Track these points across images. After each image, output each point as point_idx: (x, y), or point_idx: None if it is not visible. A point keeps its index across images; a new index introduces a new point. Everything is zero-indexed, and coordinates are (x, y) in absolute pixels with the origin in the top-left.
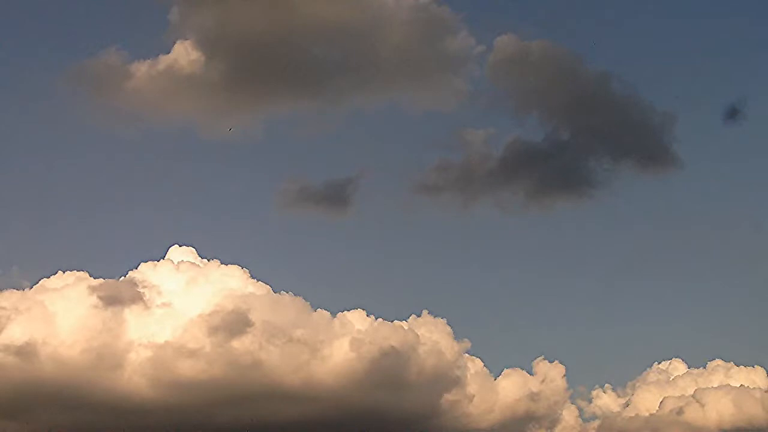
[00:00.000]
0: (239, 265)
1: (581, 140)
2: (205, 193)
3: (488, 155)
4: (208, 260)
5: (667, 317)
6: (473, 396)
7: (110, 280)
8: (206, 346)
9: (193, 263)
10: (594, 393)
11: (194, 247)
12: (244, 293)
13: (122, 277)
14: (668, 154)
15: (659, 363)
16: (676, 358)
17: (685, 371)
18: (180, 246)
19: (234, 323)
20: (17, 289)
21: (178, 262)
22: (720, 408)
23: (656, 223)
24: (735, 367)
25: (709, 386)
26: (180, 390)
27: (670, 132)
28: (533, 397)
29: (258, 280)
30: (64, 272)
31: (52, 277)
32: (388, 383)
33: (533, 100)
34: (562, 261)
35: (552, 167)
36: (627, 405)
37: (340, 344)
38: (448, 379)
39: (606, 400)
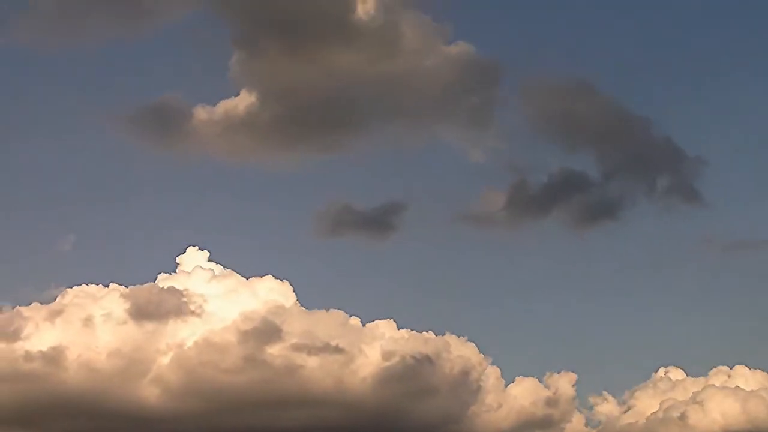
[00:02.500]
0: (277, 280)
1: (616, 178)
2: (251, 217)
3: (530, 189)
4: (248, 276)
5: (670, 323)
6: (491, 404)
7: (143, 290)
8: (236, 355)
9: (226, 276)
10: (599, 400)
11: (235, 264)
12: (278, 305)
13: (156, 289)
14: (697, 196)
15: (662, 369)
16: (679, 363)
17: (689, 376)
18: (216, 263)
19: (266, 333)
20: (47, 301)
21: (214, 275)
22: (725, 410)
23: (673, 250)
24: (741, 369)
25: (712, 390)
26: (208, 398)
27: (700, 175)
28: (544, 405)
29: (295, 295)
30: (97, 284)
31: (82, 285)
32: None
33: (575, 140)
34: (590, 284)
35: (586, 202)
36: (629, 410)
37: (370, 353)
38: (469, 389)
39: (609, 407)
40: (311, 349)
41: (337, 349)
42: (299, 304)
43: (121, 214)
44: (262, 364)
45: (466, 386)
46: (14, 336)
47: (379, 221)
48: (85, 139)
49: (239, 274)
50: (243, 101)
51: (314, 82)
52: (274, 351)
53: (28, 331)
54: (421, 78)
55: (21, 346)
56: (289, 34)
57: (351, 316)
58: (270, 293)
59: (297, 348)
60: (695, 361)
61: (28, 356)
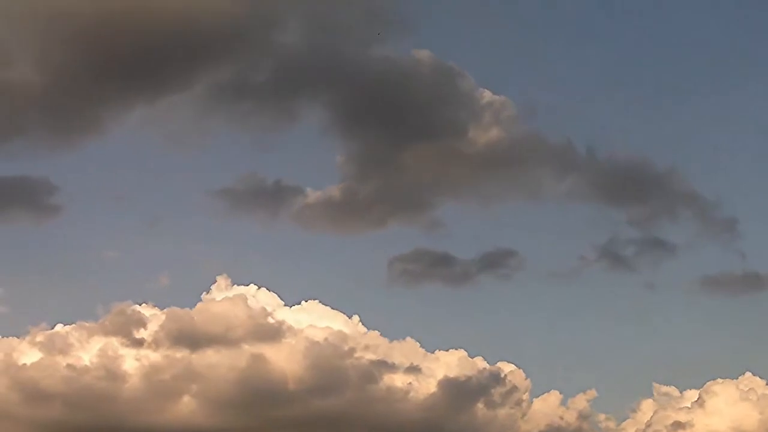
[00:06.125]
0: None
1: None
2: (342, 268)
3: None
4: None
5: (671, 339)
6: (527, 419)
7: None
8: (310, 371)
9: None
10: (605, 415)
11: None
12: (349, 333)
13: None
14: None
15: (663, 384)
16: (681, 374)
17: (691, 388)
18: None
19: (340, 351)
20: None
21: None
22: (731, 414)
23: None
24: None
25: (715, 400)
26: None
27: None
28: (563, 419)
29: (366, 326)
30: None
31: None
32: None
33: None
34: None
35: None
36: (632, 419)
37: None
38: (511, 406)
39: (612, 422)
40: (384, 367)
41: (411, 369)
42: (370, 334)
43: (229, 262)
44: (336, 380)
45: (509, 404)
46: (64, 351)
47: (460, 272)
48: (214, 216)
49: (322, 303)
50: (344, 186)
51: (408, 172)
52: (348, 366)
53: (84, 348)
54: (501, 157)
55: (75, 362)
56: (386, 134)
57: (419, 344)
58: (350, 323)
59: (369, 366)
60: (696, 374)
61: (81, 372)
